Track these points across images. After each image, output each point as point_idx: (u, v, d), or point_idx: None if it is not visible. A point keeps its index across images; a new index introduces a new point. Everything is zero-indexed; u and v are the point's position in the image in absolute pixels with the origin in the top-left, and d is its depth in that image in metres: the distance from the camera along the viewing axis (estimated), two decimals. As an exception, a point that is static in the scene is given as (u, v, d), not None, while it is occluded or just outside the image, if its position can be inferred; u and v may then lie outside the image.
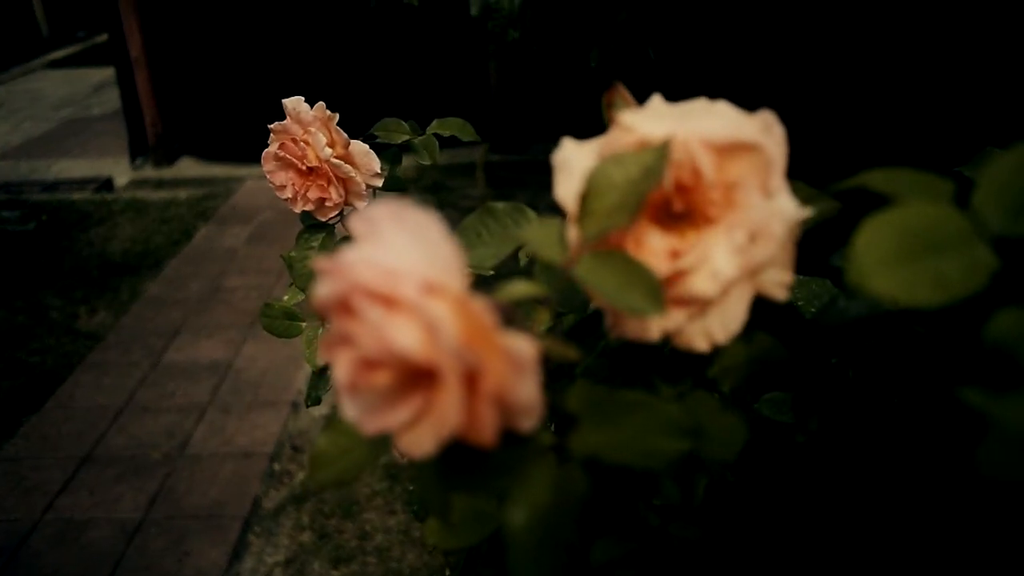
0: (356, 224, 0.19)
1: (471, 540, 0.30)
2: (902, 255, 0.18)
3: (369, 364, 0.18)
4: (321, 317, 0.20)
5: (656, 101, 0.27)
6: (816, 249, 0.31)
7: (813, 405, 0.27)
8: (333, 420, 0.26)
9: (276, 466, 1.39)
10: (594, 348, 0.30)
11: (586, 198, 0.23)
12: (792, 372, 0.27)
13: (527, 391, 0.18)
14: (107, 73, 2.87)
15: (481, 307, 0.18)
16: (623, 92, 0.29)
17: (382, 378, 0.18)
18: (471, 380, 0.18)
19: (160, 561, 1.19)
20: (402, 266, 0.18)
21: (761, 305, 0.25)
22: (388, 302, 0.18)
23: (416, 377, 0.19)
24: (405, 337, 0.17)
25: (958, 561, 0.25)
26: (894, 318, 0.26)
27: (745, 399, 0.28)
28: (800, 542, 0.29)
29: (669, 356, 0.27)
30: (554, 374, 0.27)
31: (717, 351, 0.26)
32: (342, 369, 0.19)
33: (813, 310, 0.31)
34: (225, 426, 1.50)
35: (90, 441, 1.47)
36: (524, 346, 0.18)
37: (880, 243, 0.18)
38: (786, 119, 0.25)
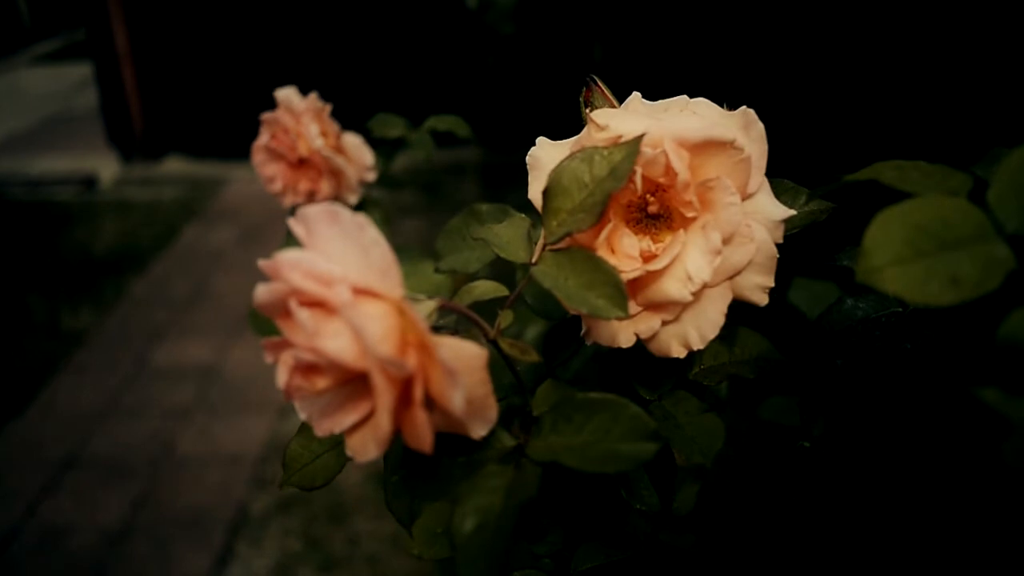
0: (293, 225, 0.18)
1: (451, 551, 0.29)
2: (915, 251, 0.17)
3: (308, 368, 0.18)
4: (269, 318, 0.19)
5: (635, 99, 0.26)
6: (822, 249, 0.30)
7: (819, 409, 0.27)
8: (305, 425, 0.25)
9: (263, 471, 1.37)
10: (576, 351, 0.29)
11: (549, 196, 0.22)
12: (796, 375, 0.26)
13: (455, 398, 0.17)
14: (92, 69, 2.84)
15: (414, 313, 0.18)
16: (602, 89, 0.28)
17: (322, 383, 0.18)
18: (408, 387, 0.18)
19: (144, 568, 1.17)
20: (336, 270, 0.17)
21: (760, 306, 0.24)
22: (326, 307, 0.17)
23: (363, 381, 0.18)
24: (335, 343, 0.17)
25: (965, 564, 0.25)
26: (903, 318, 0.25)
27: (746, 404, 0.27)
28: (800, 548, 0.28)
29: (653, 358, 0.26)
30: (535, 378, 0.26)
31: (698, 351, 0.25)
32: (284, 372, 0.19)
33: (817, 312, 0.30)
34: (211, 430, 1.48)
35: (73, 445, 1.45)
36: (466, 352, 0.18)
37: (892, 239, 0.17)
38: (788, 116, 0.24)
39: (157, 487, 1.32)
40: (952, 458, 0.26)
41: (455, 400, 0.17)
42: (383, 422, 0.17)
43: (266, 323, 0.54)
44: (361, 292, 0.17)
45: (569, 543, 0.26)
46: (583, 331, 0.25)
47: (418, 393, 0.17)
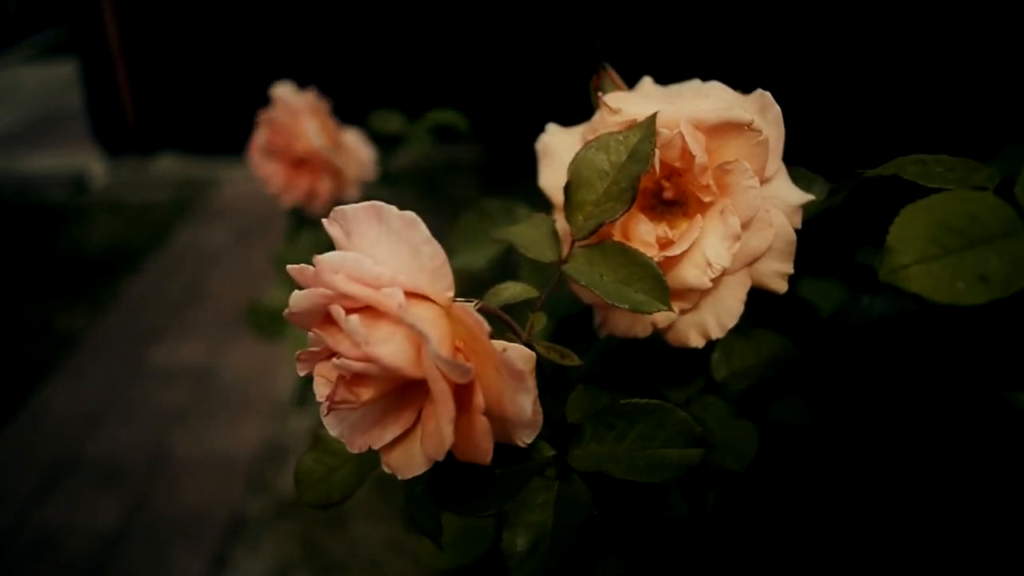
0: (328, 226, 0.17)
1: (467, 559, 0.28)
2: (942, 249, 0.16)
3: (353, 378, 0.17)
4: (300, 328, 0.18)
5: (646, 83, 0.26)
6: (826, 246, 0.30)
7: (833, 411, 0.26)
8: (319, 437, 0.24)
9: (259, 474, 1.35)
10: (586, 349, 0.29)
11: (571, 189, 0.21)
12: (809, 375, 0.25)
13: (525, 403, 0.16)
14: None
15: (472, 314, 0.17)
16: (612, 75, 0.28)
17: (367, 394, 0.17)
18: (464, 393, 0.17)
19: (139, 573, 1.15)
20: (384, 272, 0.16)
21: (772, 304, 0.23)
22: (371, 311, 0.16)
23: (405, 391, 0.17)
24: (390, 350, 0.16)
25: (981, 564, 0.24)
26: (921, 316, 0.25)
27: (756, 404, 0.26)
28: (814, 551, 0.28)
29: (672, 358, 0.25)
30: (549, 381, 0.25)
31: (726, 353, 0.25)
32: (323, 385, 0.17)
33: (829, 310, 0.30)
34: (207, 432, 1.46)
35: (67, 448, 1.43)
36: (520, 354, 0.17)
37: (918, 236, 0.17)
38: (793, 110, 0.23)
39: (152, 491, 1.30)
40: (974, 460, 0.25)
41: (523, 405, 0.16)
42: (444, 432, 0.16)
43: (266, 324, 0.52)
44: (408, 295, 0.16)
45: (588, 552, 0.25)
46: (597, 323, 0.24)
47: (479, 399, 0.16)
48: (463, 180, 2.37)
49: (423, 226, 0.17)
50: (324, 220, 0.17)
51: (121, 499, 1.27)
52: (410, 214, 0.17)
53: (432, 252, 0.17)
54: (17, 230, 2.28)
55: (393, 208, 0.17)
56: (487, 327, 0.16)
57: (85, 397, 1.53)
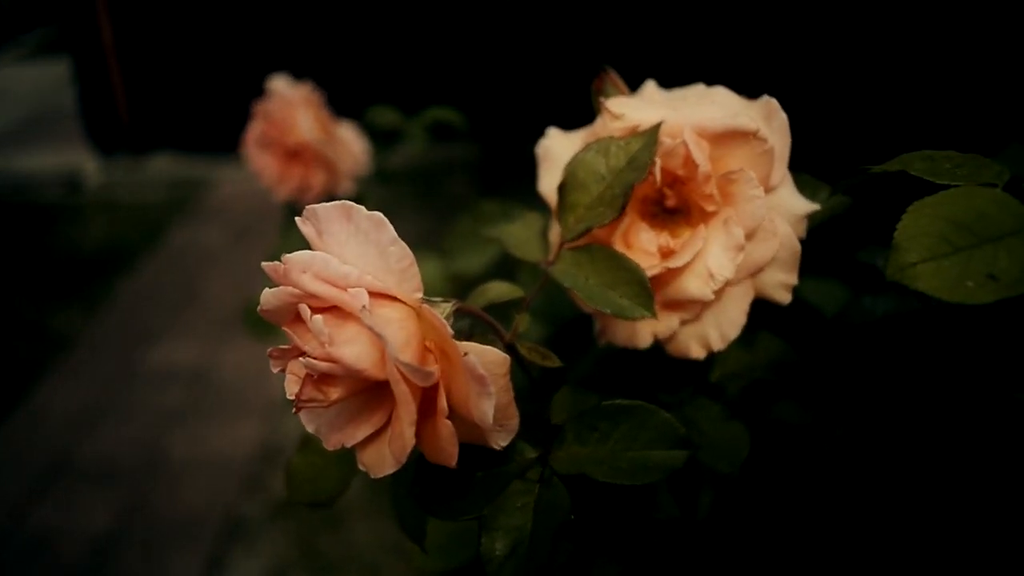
0: (301, 224, 0.17)
1: (458, 561, 0.28)
2: (950, 247, 0.16)
3: (321, 378, 0.17)
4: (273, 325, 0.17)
5: (650, 87, 0.25)
6: (826, 246, 0.29)
7: (837, 410, 0.26)
8: (308, 438, 0.24)
9: (255, 475, 1.35)
10: (587, 353, 0.28)
11: (565, 190, 0.21)
12: (809, 376, 0.25)
13: (487, 408, 0.16)
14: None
15: (437, 317, 0.16)
16: (614, 78, 0.27)
17: (335, 393, 0.17)
18: (431, 396, 0.16)
19: (136, 574, 1.15)
20: (351, 272, 0.16)
21: (773, 304, 0.23)
22: (339, 312, 0.16)
23: (378, 390, 0.17)
24: (354, 352, 0.15)
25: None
26: (925, 315, 0.24)
27: (756, 406, 0.26)
28: (816, 554, 0.27)
29: (668, 361, 0.25)
30: (544, 382, 0.25)
31: (721, 354, 0.24)
32: (294, 382, 0.17)
33: (832, 310, 0.29)
34: (202, 433, 1.45)
35: (60, 450, 1.42)
36: (488, 358, 0.17)
37: (926, 234, 0.16)
38: (795, 110, 0.23)
39: (147, 492, 1.29)
40: (979, 460, 0.25)
41: (485, 410, 0.16)
42: (405, 435, 0.16)
43: (262, 324, 0.52)
44: (377, 295, 0.16)
45: (582, 555, 0.25)
46: (596, 330, 0.24)
47: (442, 403, 0.16)
48: (460, 180, 2.36)
49: (390, 227, 0.17)
50: (297, 219, 0.17)
51: (117, 500, 1.26)
52: (378, 215, 0.17)
53: (399, 254, 0.17)
54: (11, 230, 2.26)
55: (362, 208, 0.17)
56: (450, 330, 0.16)
57: (81, 397, 1.52)
